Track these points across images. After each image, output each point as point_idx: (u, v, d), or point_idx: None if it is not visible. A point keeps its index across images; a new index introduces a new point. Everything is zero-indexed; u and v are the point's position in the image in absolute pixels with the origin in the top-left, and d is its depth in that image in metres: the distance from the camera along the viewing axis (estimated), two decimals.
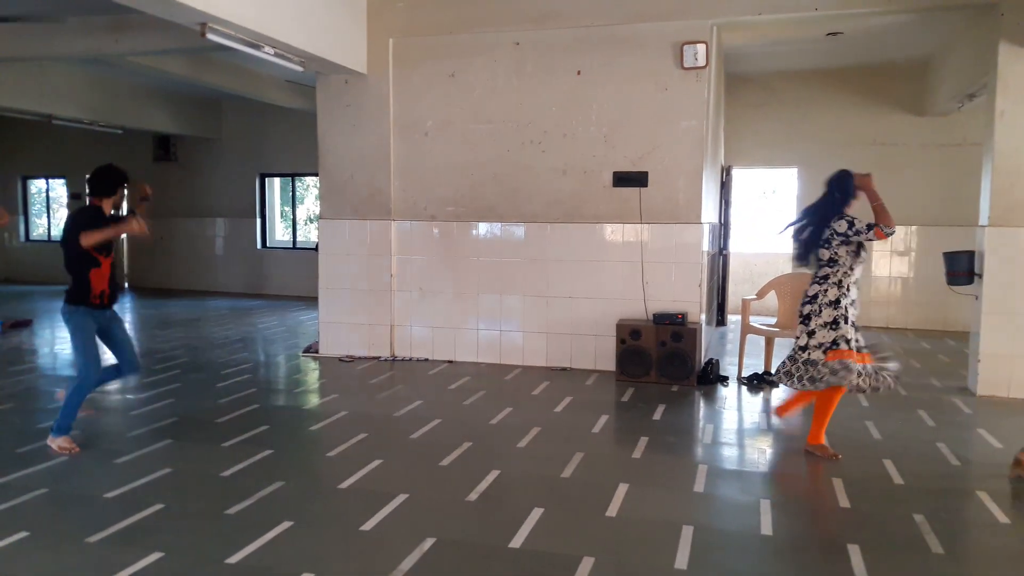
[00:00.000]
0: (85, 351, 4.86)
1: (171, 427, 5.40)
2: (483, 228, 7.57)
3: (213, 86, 10.61)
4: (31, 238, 16.18)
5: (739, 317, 8.08)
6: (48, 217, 16.19)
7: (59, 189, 15.97)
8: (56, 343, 8.90)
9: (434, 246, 7.72)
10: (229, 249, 14.30)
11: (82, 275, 4.82)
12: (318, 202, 8.09)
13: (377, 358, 7.83)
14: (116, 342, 5.06)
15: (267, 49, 6.48)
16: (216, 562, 3.33)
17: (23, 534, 3.59)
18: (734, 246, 10.52)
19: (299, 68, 7.12)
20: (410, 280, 7.81)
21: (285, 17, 6.36)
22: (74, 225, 4.73)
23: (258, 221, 14.05)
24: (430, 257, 7.74)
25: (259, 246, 14.10)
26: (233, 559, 3.36)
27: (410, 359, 7.78)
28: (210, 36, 5.85)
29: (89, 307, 4.85)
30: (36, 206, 16.23)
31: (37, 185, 16.16)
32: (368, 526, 3.73)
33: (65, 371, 7.35)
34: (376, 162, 7.74)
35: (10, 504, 3.96)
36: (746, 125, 10.71)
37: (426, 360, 7.75)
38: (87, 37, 8.12)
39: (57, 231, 15.99)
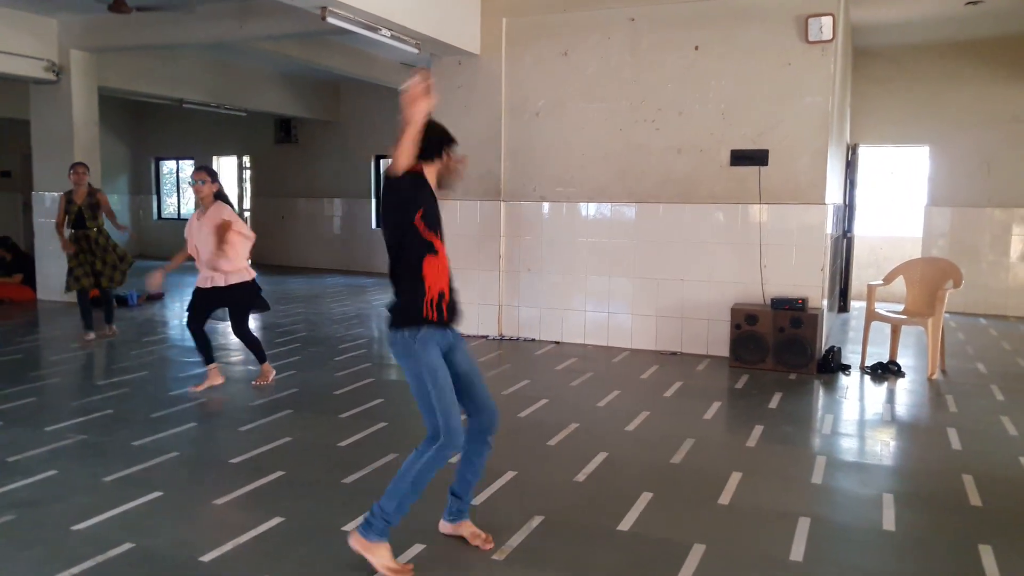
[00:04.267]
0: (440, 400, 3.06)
1: (291, 398, 5.62)
2: (593, 209, 7.49)
3: (331, 69, 10.93)
4: (162, 216, 17.18)
5: (863, 303, 7.70)
6: (178, 196, 17.11)
7: (188, 169, 16.84)
8: (185, 316, 9.41)
9: (543, 227, 7.70)
10: (345, 229, 14.76)
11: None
12: None
13: (485, 337, 7.90)
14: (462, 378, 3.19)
15: (384, 31, 6.59)
16: (333, 529, 3.44)
17: (157, 493, 3.81)
18: (859, 229, 10.04)
19: (414, 50, 7.22)
20: (518, 261, 7.82)
21: None
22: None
23: (372, 202, 14.42)
24: (539, 238, 7.72)
25: (373, 226, 14.48)
26: (349, 526, 3.45)
27: (517, 339, 7.82)
28: (330, 20, 6.00)
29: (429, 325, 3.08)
30: (167, 186, 17.21)
31: (168, 166, 17.11)
32: (477, 501, 3.77)
33: (193, 342, 7.76)
34: (487, 143, 7.76)
35: (145, 465, 4.21)
36: (874, 101, 10.16)
37: (533, 340, 7.76)
38: (214, 24, 8.50)
39: (187, 210, 16.93)
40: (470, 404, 3.23)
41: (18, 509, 3.62)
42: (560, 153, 7.54)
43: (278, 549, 3.26)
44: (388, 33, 6.64)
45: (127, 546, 3.26)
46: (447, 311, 3.11)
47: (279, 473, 4.10)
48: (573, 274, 7.61)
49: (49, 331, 8.29)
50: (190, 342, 7.74)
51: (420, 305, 3.03)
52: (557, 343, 7.67)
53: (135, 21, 8.66)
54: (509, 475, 4.10)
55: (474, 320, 7.98)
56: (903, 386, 6.18)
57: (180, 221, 16.68)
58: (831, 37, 6.44)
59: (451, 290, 3.15)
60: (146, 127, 16.49)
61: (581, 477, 4.12)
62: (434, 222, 3.10)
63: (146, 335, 7.97)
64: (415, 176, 3.08)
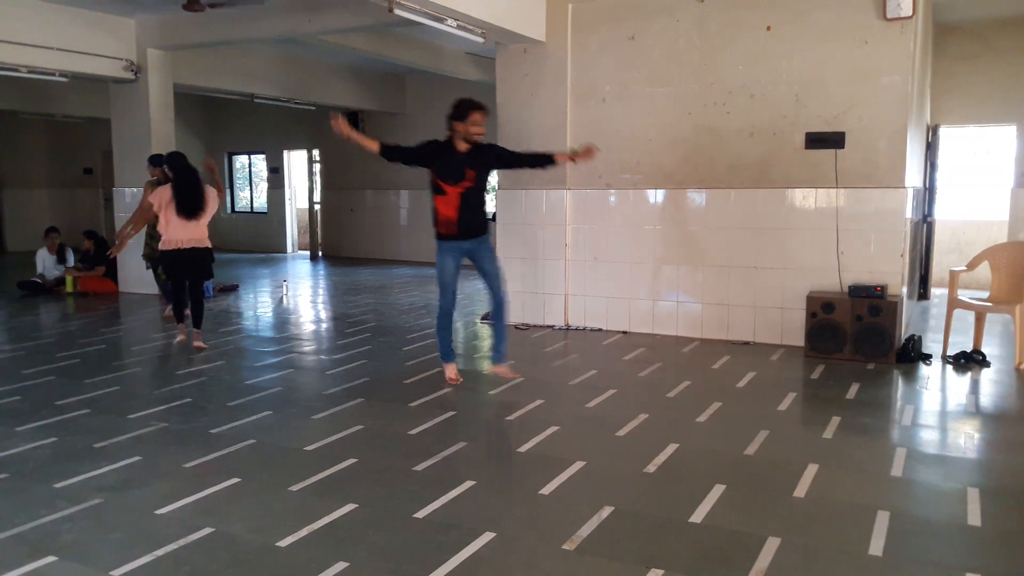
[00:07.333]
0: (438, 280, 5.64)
1: (362, 387, 5.70)
2: (661, 195, 7.37)
3: (397, 61, 11.02)
4: (236, 209, 17.63)
5: (945, 290, 7.42)
6: (250, 190, 17.56)
7: (259, 164, 17.25)
8: (259, 306, 9.66)
9: (609, 215, 7.62)
10: (412, 220, 14.91)
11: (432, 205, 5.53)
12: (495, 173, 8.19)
13: (551, 327, 7.88)
14: (484, 273, 5.69)
15: (450, 21, 6.60)
16: (405, 516, 3.48)
17: (235, 480, 3.91)
18: (940, 213, 9.66)
19: (480, 39, 7.21)
20: (584, 249, 7.76)
21: None
22: None
23: None
24: (605, 226, 7.65)
25: None
26: (420, 514, 3.49)
27: (583, 329, 7.77)
28: (397, 11, 6.05)
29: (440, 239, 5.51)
30: (240, 180, 17.66)
31: (241, 161, 17.55)
32: (546, 490, 3.76)
33: (267, 332, 7.95)
34: (553, 131, 7.71)
35: (223, 452, 4.33)
36: (956, 80, 9.74)
37: (600, 330, 7.70)
38: (284, 19, 8.66)
39: (259, 203, 17.35)
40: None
41: (105, 493, 3.76)
42: (627, 139, 7.44)
43: (352, 535, 3.31)
44: (454, 23, 6.65)
45: (207, 530, 3.35)
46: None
47: (352, 460, 4.16)
48: (640, 262, 7.51)
49: (130, 322, 8.60)
50: (265, 332, 7.95)
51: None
52: (624, 333, 7.59)
53: (208, 18, 8.88)
54: (578, 465, 4.08)
55: (540, 309, 7.96)
56: (988, 376, 5.93)
57: (253, 215, 17.13)
58: (911, 13, 6.18)
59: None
60: (219, 122, 16.93)
61: (651, 468, 4.07)
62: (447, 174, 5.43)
63: (222, 325, 8.19)
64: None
